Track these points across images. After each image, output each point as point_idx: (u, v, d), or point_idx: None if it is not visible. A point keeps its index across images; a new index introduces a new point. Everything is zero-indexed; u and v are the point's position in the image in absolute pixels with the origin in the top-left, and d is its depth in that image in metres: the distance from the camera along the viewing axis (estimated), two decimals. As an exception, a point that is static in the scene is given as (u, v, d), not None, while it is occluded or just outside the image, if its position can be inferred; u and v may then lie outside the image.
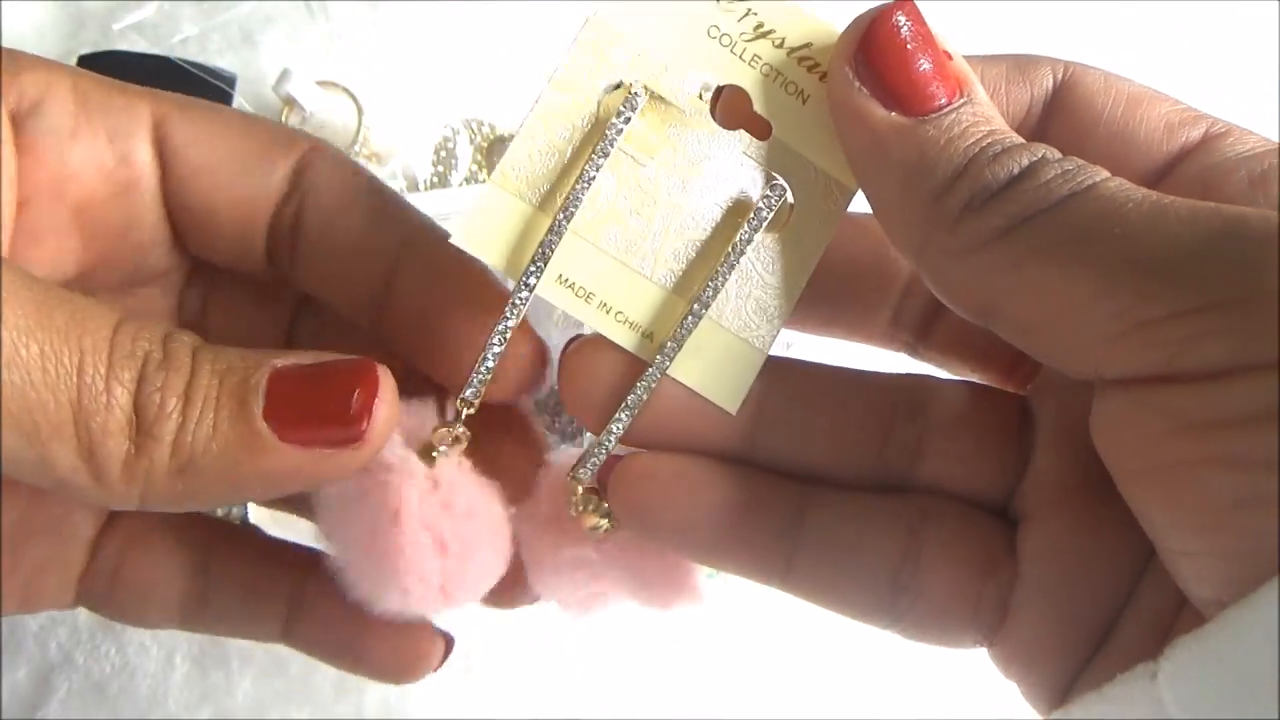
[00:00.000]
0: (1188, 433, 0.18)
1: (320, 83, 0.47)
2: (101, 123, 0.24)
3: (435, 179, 0.46)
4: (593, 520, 0.24)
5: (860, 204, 0.24)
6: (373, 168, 0.46)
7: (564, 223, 0.23)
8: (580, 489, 0.24)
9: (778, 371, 0.24)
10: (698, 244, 0.24)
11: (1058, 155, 0.20)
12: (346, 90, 0.48)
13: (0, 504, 0.24)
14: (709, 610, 0.42)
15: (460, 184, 0.46)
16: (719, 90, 0.23)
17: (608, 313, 0.24)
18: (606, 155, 0.23)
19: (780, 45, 0.23)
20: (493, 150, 0.47)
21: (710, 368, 0.24)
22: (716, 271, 0.23)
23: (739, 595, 0.42)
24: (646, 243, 0.23)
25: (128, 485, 0.21)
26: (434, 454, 0.24)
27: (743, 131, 0.24)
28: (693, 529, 0.24)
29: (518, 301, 0.23)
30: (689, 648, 0.42)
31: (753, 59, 0.23)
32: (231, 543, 0.27)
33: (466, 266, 0.24)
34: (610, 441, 0.24)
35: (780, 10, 0.23)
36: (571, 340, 0.24)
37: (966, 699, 0.41)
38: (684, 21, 0.23)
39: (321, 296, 0.26)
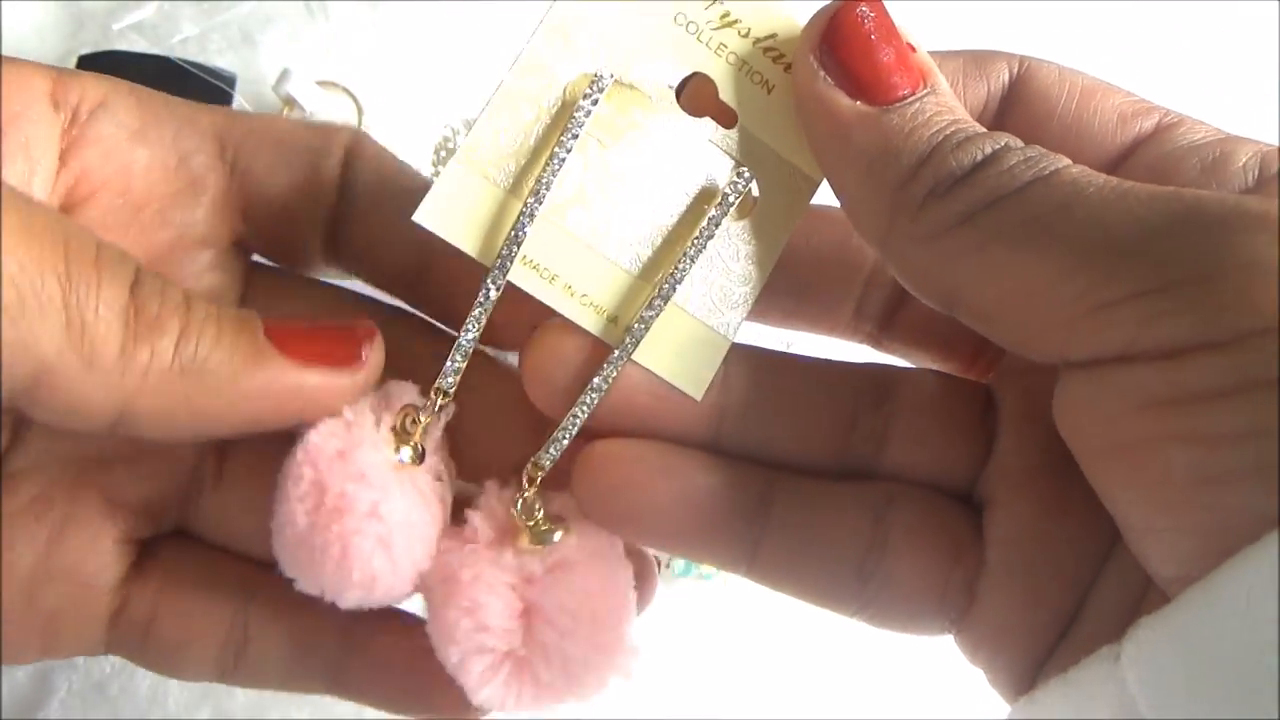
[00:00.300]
0: (1150, 411, 0.19)
1: (320, 83, 0.47)
2: (166, 125, 0.24)
3: (434, 179, 0.46)
4: (531, 535, 0.23)
5: (825, 195, 0.24)
6: (373, 168, 0.46)
7: (535, 205, 0.22)
8: (530, 489, 0.24)
9: (743, 359, 0.24)
10: (663, 229, 0.24)
11: (1020, 144, 0.20)
12: (346, 90, 0.48)
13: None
14: (705, 612, 0.42)
15: (460, 184, 0.46)
16: (686, 79, 0.23)
17: (571, 295, 0.23)
18: (575, 137, 0.22)
19: (746, 35, 0.23)
20: (493, 150, 0.47)
21: (676, 354, 0.23)
22: (682, 256, 0.23)
23: (728, 597, 0.42)
24: (612, 226, 0.23)
25: (122, 375, 0.19)
26: (404, 431, 0.23)
27: (709, 119, 0.24)
28: (657, 515, 0.24)
29: (491, 287, 0.23)
30: (688, 649, 0.42)
31: (719, 48, 0.23)
32: (272, 588, 0.24)
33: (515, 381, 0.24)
34: (574, 427, 0.23)
35: (747, 1, 0.23)
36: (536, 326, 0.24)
37: (953, 699, 0.41)
38: (651, 9, 0.23)
39: (362, 277, 0.26)
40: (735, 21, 0.23)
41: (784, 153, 0.24)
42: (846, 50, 0.21)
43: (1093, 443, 0.20)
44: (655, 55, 0.23)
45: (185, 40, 0.49)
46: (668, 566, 0.41)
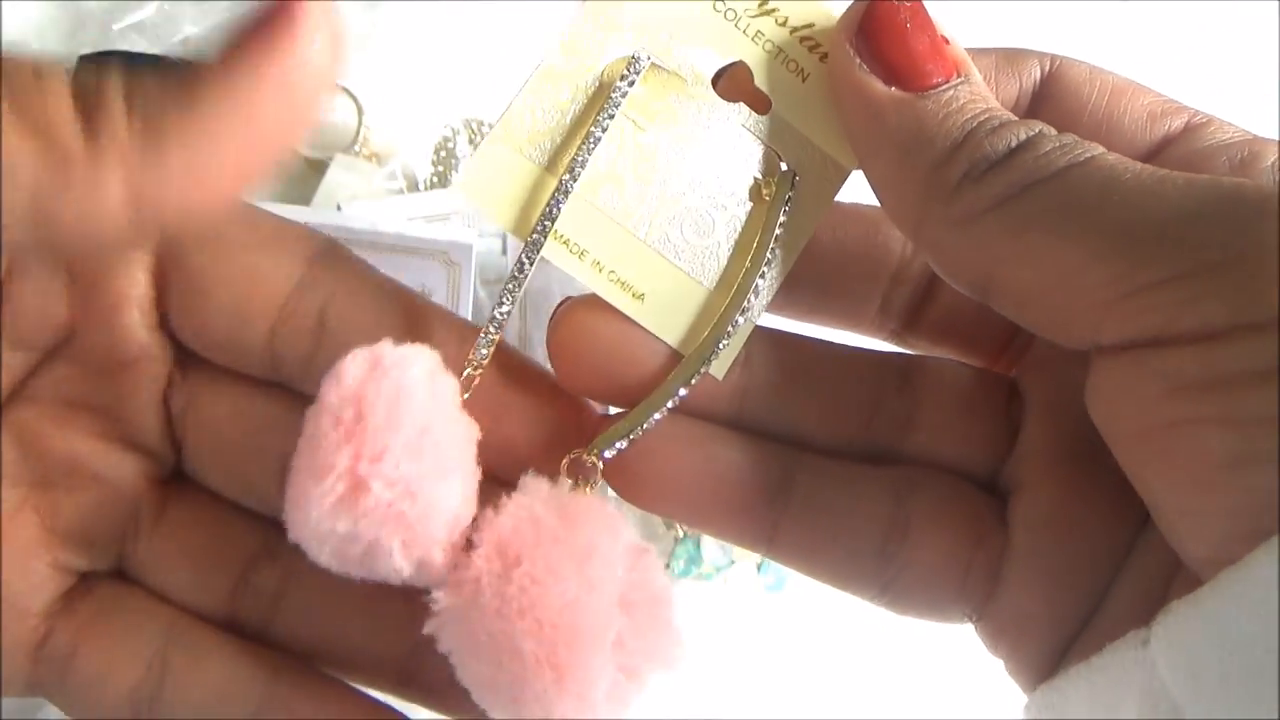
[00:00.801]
0: (1185, 394, 0.18)
1: (320, 83, 0.47)
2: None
3: (435, 179, 0.47)
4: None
5: (850, 191, 0.24)
6: (373, 167, 0.46)
7: (570, 183, 0.22)
8: (570, 464, 0.23)
9: (766, 340, 0.24)
10: (692, 210, 0.24)
11: (1054, 131, 0.21)
12: (346, 90, 0.48)
13: None
14: (705, 613, 0.42)
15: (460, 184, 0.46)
16: (724, 66, 0.24)
17: (600, 270, 0.23)
18: (612, 117, 0.23)
19: (784, 24, 0.23)
20: (493, 150, 0.48)
21: (702, 342, 0.24)
22: (756, 269, 0.23)
23: (728, 597, 0.42)
24: (643, 205, 0.23)
25: (102, 159, 0.19)
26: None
27: (743, 104, 0.24)
28: (681, 488, 0.24)
29: (525, 261, 0.23)
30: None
31: (755, 35, 0.23)
32: (197, 636, 0.24)
33: (540, 377, 0.24)
34: (641, 425, 0.23)
35: None
36: (563, 301, 0.24)
37: (958, 701, 0.41)
38: None
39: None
40: (774, 10, 0.23)
41: (816, 140, 0.24)
42: (882, 37, 0.22)
43: (1126, 426, 0.20)
44: (693, 40, 0.23)
45: (185, 40, 0.49)
46: (667, 568, 0.41)
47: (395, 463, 0.20)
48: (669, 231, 0.24)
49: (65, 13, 0.50)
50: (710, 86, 0.24)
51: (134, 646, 0.24)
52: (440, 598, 0.21)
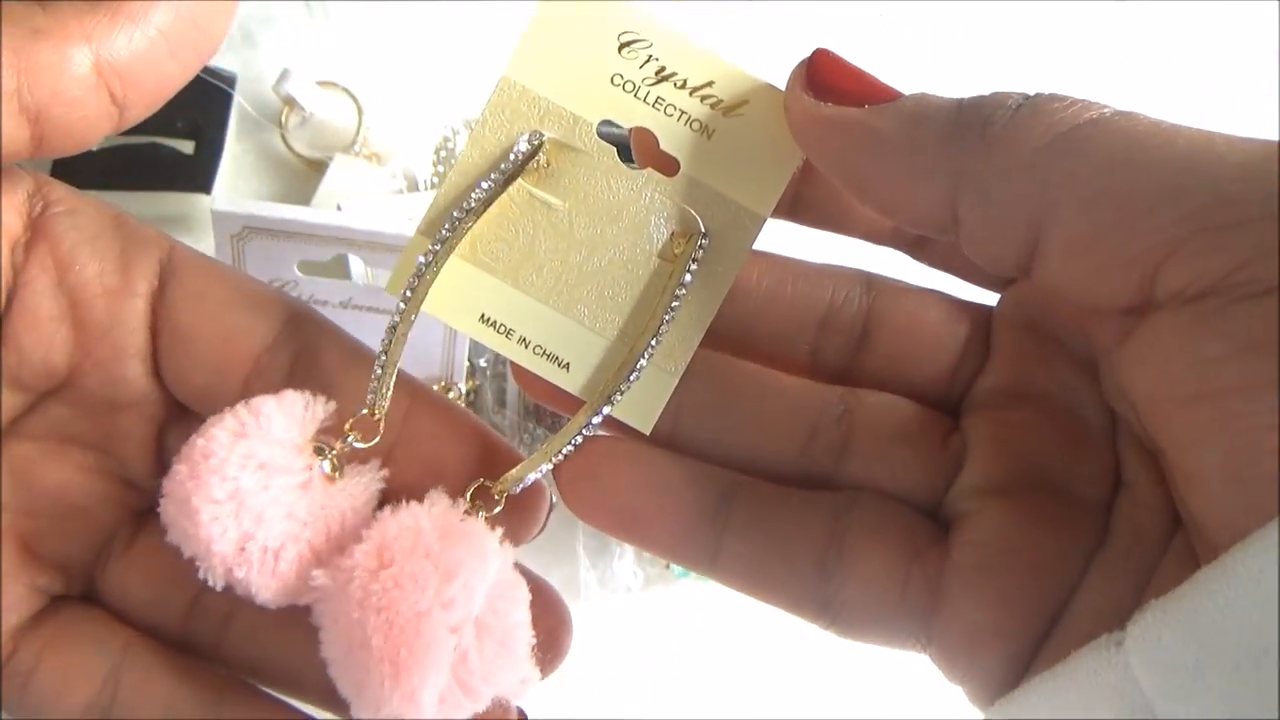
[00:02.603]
0: (1253, 354, 0.18)
1: (320, 83, 0.47)
2: (121, 237, 0.25)
3: (435, 179, 0.47)
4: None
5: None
6: (373, 168, 0.46)
7: (439, 244, 0.24)
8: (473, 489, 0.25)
9: (702, 362, 0.25)
10: (614, 278, 0.25)
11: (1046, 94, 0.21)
12: (346, 90, 0.48)
13: None
14: (705, 613, 0.42)
15: (460, 184, 0.46)
16: (630, 132, 0.25)
17: (525, 346, 0.25)
18: (494, 182, 0.24)
19: (682, 86, 0.24)
20: (493, 150, 0.47)
21: (634, 396, 0.25)
22: (658, 320, 0.24)
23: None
24: (564, 281, 0.25)
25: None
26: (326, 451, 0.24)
27: (650, 170, 0.25)
28: (623, 507, 0.25)
29: (397, 317, 0.24)
30: (688, 649, 0.42)
31: (656, 101, 0.24)
32: (150, 655, 0.25)
33: (459, 417, 0.26)
34: (540, 469, 0.25)
35: (678, 54, 0.24)
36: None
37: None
38: (588, 72, 0.24)
39: None
40: (671, 75, 0.24)
41: (728, 193, 0.24)
42: (838, 75, 0.22)
43: (1179, 390, 0.19)
44: (596, 115, 0.25)
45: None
46: (667, 568, 0.41)
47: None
48: (589, 301, 0.25)
49: None
50: (618, 158, 0.25)
51: (91, 664, 0.25)
52: (318, 576, 0.23)
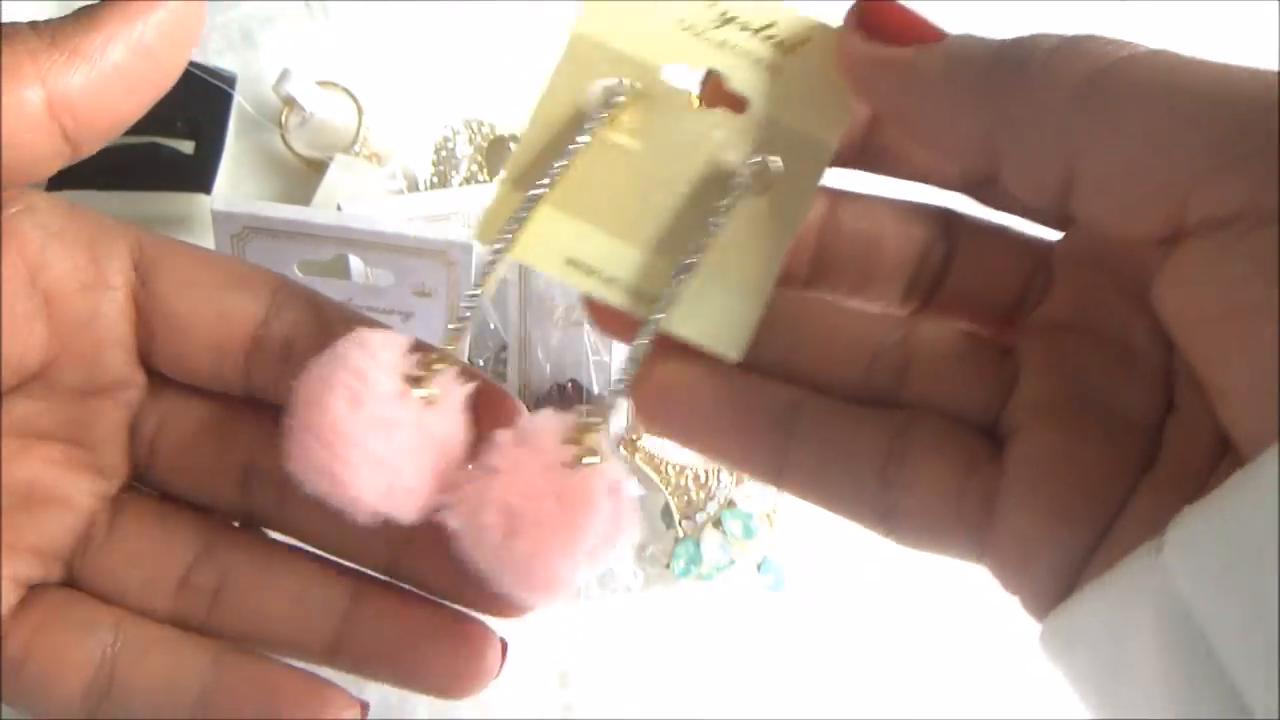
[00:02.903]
0: (1272, 272, 0.19)
1: (320, 83, 0.47)
2: (87, 230, 0.26)
3: (435, 179, 0.47)
4: (581, 448, 0.26)
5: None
6: (373, 168, 0.46)
7: (534, 195, 0.25)
8: (585, 414, 0.26)
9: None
10: (692, 216, 0.26)
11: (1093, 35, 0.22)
12: (346, 90, 0.48)
13: None
14: (705, 613, 0.42)
15: (460, 184, 0.46)
16: (699, 78, 0.26)
17: (609, 284, 0.26)
18: (582, 135, 0.25)
19: (746, 28, 0.26)
20: (493, 150, 0.47)
21: (711, 321, 0.26)
22: (705, 234, 0.25)
23: (728, 597, 0.42)
24: (645, 220, 0.26)
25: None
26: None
27: (721, 109, 0.26)
28: (694, 418, 0.26)
29: (492, 260, 0.25)
30: (688, 649, 0.42)
31: (722, 44, 0.26)
32: (142, 631, 0.26)
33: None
34: (619, 391, 0.26)
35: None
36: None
37: (959, 701, 0.41)
38: (657, 20, 0.26)
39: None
40: (734, 19, 0.26)
41: (797, 125, 0.26)
42: (887, 15, 0.24)
43: (1208, 310, 0.20)
44: (667, 57, 0.26)
45: (185, 40, 0.49)
46: (667, 568, 0.41)
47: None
48: (669, 236, 0.26)
49: (65, 13, 0.50)
50: (691, 100, 0.26)
51: (83, 647, 0.26)
52: (457, 486, 0.25)
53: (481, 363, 0.43)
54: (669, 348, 0.26)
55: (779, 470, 0.26)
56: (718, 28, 0.26)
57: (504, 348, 0.42)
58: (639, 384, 0.26)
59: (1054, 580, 0.23)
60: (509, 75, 0.50)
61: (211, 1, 0.49)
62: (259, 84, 0.48)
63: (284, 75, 0.46)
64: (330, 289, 0.41)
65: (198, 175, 0.45)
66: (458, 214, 0.43)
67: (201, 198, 0.45)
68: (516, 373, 0.42)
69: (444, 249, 0.40)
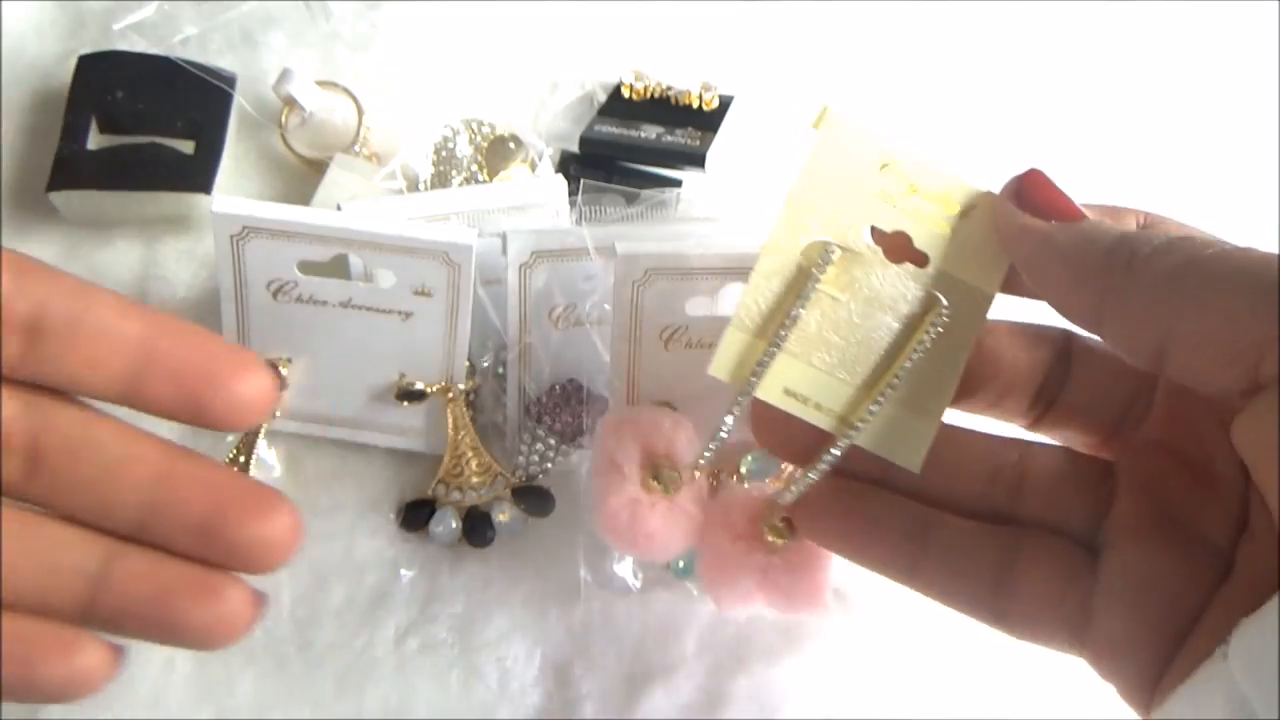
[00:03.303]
0: None
1: (320, 83, 0.47)
2: None
3: (435, 179, 0.47)
4: (773, 535, 0.35)
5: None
6: (372, 168, 0.46)
7: (776, 346, 0.32)
8: (776, 510, 0.34)
9: None
10: (884, 353, 0.32)
11: (1190, 235, 0.28)
12: (346, 90, 0.48)
13: None
14: (704, 612, 0.42)
15: (460, 184, 0.46)
16: (888, 235, 0.32)
17: (818, 410, 0.32)
18: (808, 297, 0.31)
19: (928, 197, 0.32)
20: (493, 150, 0.47)
21: (898, 439, 0.32)
22: (893, 376, 0.31)
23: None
24: (847, 356, 0.32)
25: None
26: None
27: (908, 263, 0.32)
28: (847, 537, 0.33)
29: (740, 400, 0.32)
30: (687, 648, 0.42)
31: (908, 210, 0.32)
32: (21, 522, 0.27)
33: None
34: (811, 478, 0.33)
35: (924, 171, 0.32)
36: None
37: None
38: (857, 189, 0.32)
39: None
40: (919, 189, 0.32)
41: (966, 277, 0.32)
42: (1038, 192, 0.30)
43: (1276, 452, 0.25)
44: (864, 222, 0.32)
45: (185, 40, 0.49)
46: (667, 568, 0.41)
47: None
48: (866, 370, 0.32)
49: (65, 13, 0.50)
50: (882, 256, 0.32)
51: None
52: (700, 545, 0.36)
53: (484, 363, 0.43)
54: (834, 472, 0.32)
55: (911, 575, 0.32)
56: (908, 196, 0.32)
57: (504, 347, 0.42)
58: (806, 501, 0.33)
59: (1142, 676, 0.28)
60: (509, 75, 0.50)
61: (212, 1, 0.49)
62: (259, 84, 0.48)
63: (284, 75, 0.46)
64: (330, 289, 0.41)
65: (198, 175, 0.45)
66: (458, 214, 0.43)
67: (201, 198, 0.45)
68: (516, 372, 0.42)
69: (444, 249, 0.40)
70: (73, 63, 0.46)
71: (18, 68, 0.49)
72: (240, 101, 0.47)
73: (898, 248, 0.32)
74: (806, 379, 0.32)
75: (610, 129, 0.48)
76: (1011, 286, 0.32)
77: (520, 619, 0.41)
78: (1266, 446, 0.25)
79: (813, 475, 0.32)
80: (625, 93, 0.50)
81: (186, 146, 0.45)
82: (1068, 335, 0.33)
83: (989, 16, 0.54)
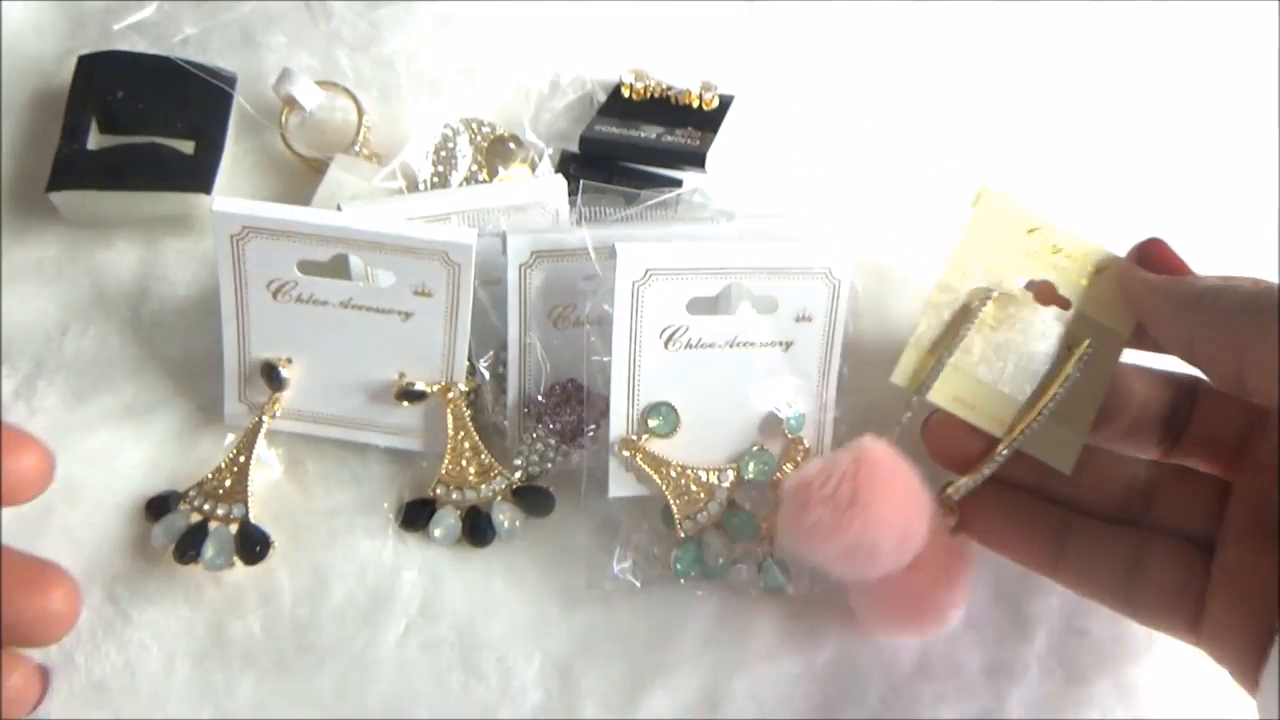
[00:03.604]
0: None
1: (320, 83, 0.47)
2: None
3: (435, 179, 0.46)
4: (946, 511, 0.40)
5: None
6: (373, 168, 0.46)
7: (942, 362, 0.40)
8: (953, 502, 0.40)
9: None
10: (1032, 374, 0.40)
11: (1266, 282, 0.34)
12: (346, 90, 0.48)
13: None
14: (703, 611, 0.42)
15: (460, 184, 0.46)
16: (1037, 283, 0.41)
17: (982, 415, 0.40)
18: (971, 324, 0.40)
19: (1068, 254, 0.41)
20: (493, 150, 0.47)
21: (1054, 447, 0.40)
22: (1054, 394, 0.39)
23: (726, 596, 0.42)
24: (1004, 375, 0.40)
25: None
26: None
27: (1053, 306, 0.40)
28: (1002, 535, 0.40)
29: (915, 401, 0.40)
30: (687, 646, 0.42)
31: (1051, 264, 0.41)
32: None
33: None
34: (985, 473, 0.39)
35: (1064, 234, 0.41)
36: (933, 412, 0.41)
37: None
38: (1009, 248, 0.41)
39: None
40: (1060, 249, 0.41)
41: (1103, 320, 0.40)
42: (1156, 255, 0.38)
43: None
44: (1016, 272, 0.41)
45: (185, 40, 0.49)
46: (667, 568, 0.41)
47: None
48: (1018, 389, 0.40)
49: (65, 13, 0.50)
50: (1032, 299, 0.40)
51: None
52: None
53: (484, 364, 0.43)
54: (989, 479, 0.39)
55: (1054, 568, 0.39)
56: (1051, 254, 0.41)
57: (504, 347, 0.42)
58: (969, 502, 0.40)
59: (1246, 661, 0.34)
60: (509, 75, 0.50)
61: (212, 1, 0.49)
62: (259, 84, 0.48)
63: (284, 75, 0.46)
64: (330, 289, 0.41)
65: (198, 175, 0.45)
66: (458, 214, 0.43)
67: (201, 198, 0.45)
68: (516, 372, 0.42)
69: (444, 249, 0.40)
70: (73, 63, 0.46)
71: (18, 68, 0.49)
72: (240, 101, 0.47)
73: (1045, 294, 0.40)
74: (972, 390, 0.40)
75: (610, 129, 0.48)
76: (1139, 342, 0.40)
77: (520, 619, 0.41)
78: None
79: (986, 471, 0.39)
80: (625, 93, 0.50)
81: (186, 146, 0.45)
82: (1194, 380, 0.39)
83: (988, 16, 0.54)
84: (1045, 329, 0.40)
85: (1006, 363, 0.40)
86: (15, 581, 0.29)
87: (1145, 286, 0.37)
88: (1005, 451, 0.39)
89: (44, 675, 0.30)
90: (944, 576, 0.39)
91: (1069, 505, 0.39)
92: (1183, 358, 0.36)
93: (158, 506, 0.41)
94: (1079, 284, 0.40)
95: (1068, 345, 0.40)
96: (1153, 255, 0.38)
